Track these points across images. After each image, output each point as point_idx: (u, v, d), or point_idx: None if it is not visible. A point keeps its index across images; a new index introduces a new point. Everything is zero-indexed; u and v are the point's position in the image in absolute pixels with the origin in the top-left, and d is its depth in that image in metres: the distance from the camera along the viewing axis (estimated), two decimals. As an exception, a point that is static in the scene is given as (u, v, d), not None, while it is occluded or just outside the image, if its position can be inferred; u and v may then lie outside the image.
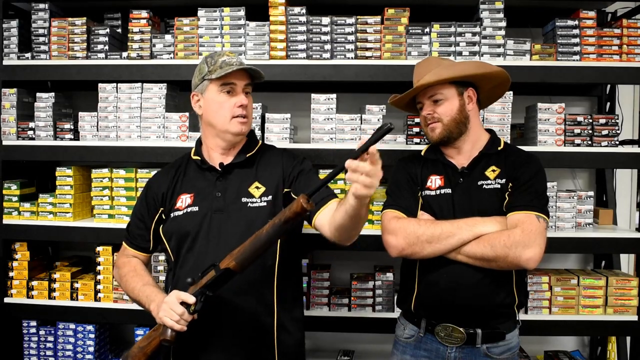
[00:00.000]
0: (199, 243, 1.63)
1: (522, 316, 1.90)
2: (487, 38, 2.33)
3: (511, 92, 2.31)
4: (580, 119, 2.34)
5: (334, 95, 2.37)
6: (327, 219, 1.55)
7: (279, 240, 1.58)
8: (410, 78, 1.86)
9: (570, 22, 2.35)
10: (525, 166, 1.73)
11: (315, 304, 2.44)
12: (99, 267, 2.49)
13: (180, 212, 1.68)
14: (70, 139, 2.47)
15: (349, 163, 1.24)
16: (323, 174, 2.36)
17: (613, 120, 2.35)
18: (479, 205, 1.70)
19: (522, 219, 1.62)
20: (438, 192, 1.76)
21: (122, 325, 2.85)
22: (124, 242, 1.81)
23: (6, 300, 2.52)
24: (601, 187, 2.78)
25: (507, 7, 2.34)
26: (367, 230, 2.35)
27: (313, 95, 2.38)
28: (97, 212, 2.47)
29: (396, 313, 2.26)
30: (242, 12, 2.39)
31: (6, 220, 2.49)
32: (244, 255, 1.45)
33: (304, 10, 2.36)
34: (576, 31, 2.34)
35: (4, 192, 2.50)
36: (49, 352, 2.57)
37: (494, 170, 1.74)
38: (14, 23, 2.49)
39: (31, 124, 2.48)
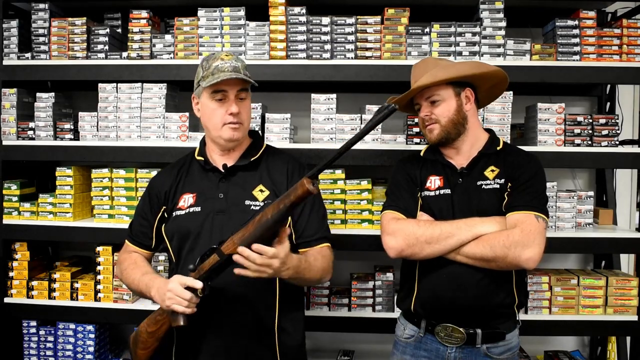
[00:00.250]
0: (200, 243, 1.63)
1: (522, 316, 1.90)
2: (487, 38, 2.33)
3: (511, 92, 2.31)
4: (580, 119, 2.34)
5: (334, 95, 2.37)
6: None
7: None
8: (410, 78, 1.86)
9: (570, 22, 2.35)
10: (525, 166, 1.72)
11: (315, 304, 2.45)
12: (99, 267, 2.49)
13: (183, 212, 1.68)
14: (70, 139, 2.47)
15: (241, 250, 1.37)
16: (323, 174, 2.36)
17: (613, 120, 2.35)
18: (478, 206, 1.70)
19: (521, 219, 1.62)
20: (437, 192, 1.76)
21: (122, 325, 2.85)
22: (126, 240, 1.81)
23: (6, 300, 2.52)
24: (601, 187, 2.78)
25: (507, 7, 2.34)
26: (367, 230, 2.35)
27: (313, 95, 2.38)
28: (97, 212, 2.47)
29: (396, 313, 2.26)
30: (242, 12, 2.39)
31: (6, 220, 2.49)
32: (248, 240, 1.42)
33: (304, 10, 2.36)
34: (576, 31, 2.34)
35: (4, 192, 2.50)
36: (49, 352, 2.57)
37: (493, 170, 1.74)
38: (14, 23, 2.49)
39: (31, 124, 2.48)
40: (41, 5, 2.50)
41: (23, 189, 2.53)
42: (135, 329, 1.67)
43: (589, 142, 2.34)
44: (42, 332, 2.58)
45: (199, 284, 1.47)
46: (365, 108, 2.39)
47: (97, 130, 2.44)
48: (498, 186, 1.71)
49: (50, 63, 2.46)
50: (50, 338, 2.57)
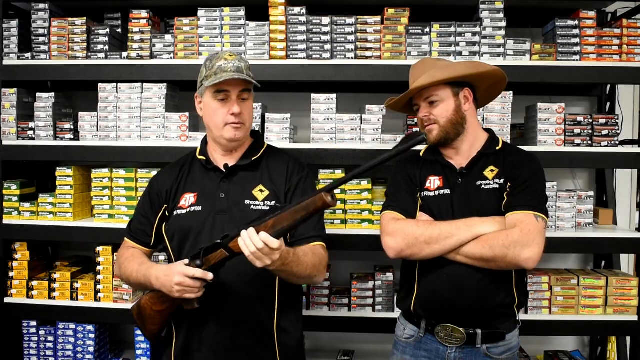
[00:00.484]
0: (200, 243, 1.63)
1: (522, 316, 1.90)
2: (487, 38, 2.33)
3: (511, 92, 2.31)
4: (580, 119, 2.34)
5: (334, 95, 2.37)
6: None
7: None
8: (410, 78, 1.86)
9: (570, 22, 2.35)
10: (524, 166, 1.72)
11: (315, 304, 2.45)
12: (99, 267, 2.49)
13: (184, 211, 1.69)
14: (70, 139, 2.47)
15: (246, 232, 1.39)
16: (323, 174, 2.37)
17: (613, 120, 2.35)
18: (478, 206, 1.70)
19: (520, 218, 1.62)
20: (437, 192, 1.76)
21: (122, 325, 2.85)
22: (125, 237, 1.81)
23: (6, 300, 2.52)
24: (601, 187, 2.78)
25: (507, 7, 2.34)
26: (367, 230, 2.35)
27: (313, 95, 2.38)
28: (97, 212, 2.47)
29: (396, 313, 2.26)
30: (242, 12, 2.39)
31: (6, 220, 2.49)
32: None
33: (304, 10, 2.36)
34: (576, 31, 2.34)
35: (4, 192, 2.50)
36: (49, 352, 2.57)
37: (492, 170, 1.74)
38: (14, 23, 2.49)
39: (31, 124, 2.48)
40: (41, 5, 2.50)
41: (23, 189, 2.53)
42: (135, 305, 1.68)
43: (589, 142, 2.34)
44: (42, 332, 2.58)
45: (210, 275, 1.48)
46: (365, 108, 2.39)
47: (97, 130, 2.44)
48: (497, 186, 1.71)
49: (50, 63, 2.46)
50: (50, 338, 2.57)
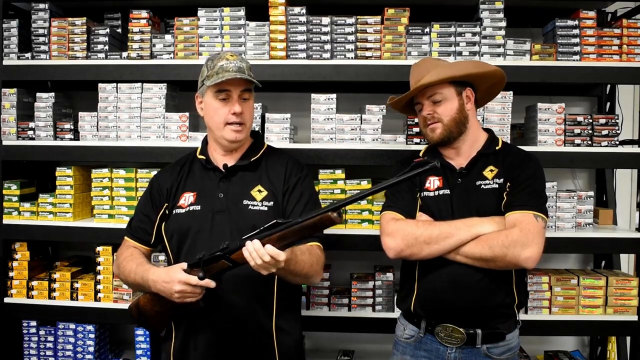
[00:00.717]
0: (199, 242, 1.63)
1: (522, 316, 1.90)
2: (487, 38, 2.33)
3: (511, 92, 2.31)
4: (580, 119, 2.34)
5: (334, 95, 2.37)
6: None
7: None
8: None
9: (570, 22, 2.35)
10: (524, 165, 1.72)
11: (315, 304, 2.44)
12: (99, 267, 2.49)
13: (183, 210, 1.69)
14: (70, 139, 2.47)
15: (251, 244, 1.39)
16: (323, 174, 2.37)
17: (613, 120, 2.35)
18: (478, 206, 1.70)
19: (520, 218, 1.62)
20: (436, 193, 1.76)
21: (122, 325, 2.85)
22: (125, 236, 1.81)
23: (6, 300, 2.52)
24: (601, 187, 2.78)
25: (507, 7, 2.34)
26: (367, 230, 2.35)
27: (313, 95, 2.38)
28: (97, 212, 2.47)
29: (396, 313, 2.26)
30: (242, 12, 2.39)
31: (6, 220, 2.49)
32: None
33: (304, 10, 2.36)
34: (576, 31, 2.34)
35: (4, 192, 2.50)
36: (49, 352, 2.57)
37: (492, 170, 1.74)
38: (14, 23, 2.49)
39: (31, 124, 2.48)
40: (41, 5, 2.50)
41: (23, 189, 2.53)
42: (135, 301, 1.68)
43: (589, 142, 2.34)
44: (42, 332, 2.58)
45: (213, 284, 1.49)
46: (365, 108, 2.39)
47: (97, 130, 2.44)
48: (497, 186, 1.71)
49: (50, 63, 2.46)
50: (50, 338, 2.57)
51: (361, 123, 2.36)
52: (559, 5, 2.51)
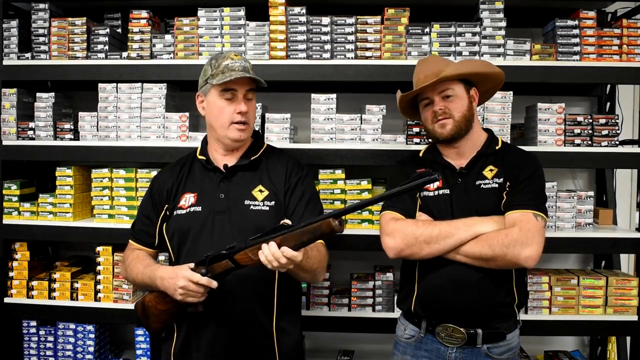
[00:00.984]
0: (200, 243, 1.64)
1: (522, 316, 1.90)
2: (487, 38, 2.33)
3: (511, 92, 2.31)
4: (580, 119, 2.34)
5: (334, 95, 2.37)
6: None
7: None
8: (410, 78, 1.86)
9: (570, 22, 2.35)
10: (523, 165, 1.73)
11: (315, 304, 2.44)
12: (99, 267, 2.49)
13: (183, 211, 1.69)
14: (70, 139, 2.47)
15: (268, 248, 1.40)
16: (323, 174, 2.37)
17: (613, 120, 2.35)
18: (477, 205, 1.70)
19: (519, 217, 1.62)
20: (436, 192, 1.76)
21: (122, 325, 2.85)
22: (129, 240, 1.81)
23: (6, 300, 2.52)
24: (601, 187, 2.78)
25: (507, 7, 2.34)
26: (367, 230, 2.35)
27: (313, 95, 2.38)
28: (97, 212, 2.47)
29: (396, 313, 2.26)
30: (242, 12, 2.39)
31: (6, 220, 2.49)
32: None
33: (304, 10, 2.36)
34: (576, 31, 2.34)
35: (4, 192, 2.50)
36: (49, 352, 2.57)
37: (491, 170, 1.74)
38: (14, 23, 2.49)
39: (31, 124, 2.48)
40: (41, 5, 2.50)
41: (23, 189, 2.53)
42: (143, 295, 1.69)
43: (589, 142, 2.34)
44: (42, 332, 2.58)
45: (215, 284, 1.50)
46: (365, 108, 2.39)
47: (97, 130, 2.44)
48: (497, 185, 1.71)
49: (50, 63, 2.46)
50: (50, 338, 2.57)
51: (361, 123, 2.36)
52: (559, 5, 2.51)
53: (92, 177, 2.47)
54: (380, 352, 2.69)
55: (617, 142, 2.36)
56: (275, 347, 1.64)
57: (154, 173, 2.37)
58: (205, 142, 1.79)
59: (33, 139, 2.48)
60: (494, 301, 1.69)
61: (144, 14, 2.47)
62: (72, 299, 2.50)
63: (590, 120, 2.34)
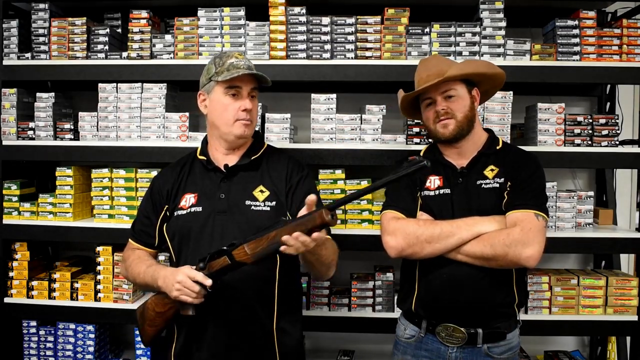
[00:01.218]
0: (201, 243, 1.63)
1: (522, 316, 1.90)
2: (487, 38, 2.33)
3: (511, 92, 2.31)
4: (580, 119, 2.34)
5: (334, 95, 2.37)
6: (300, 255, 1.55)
7: None
8: (411, 78, 1.86)
9: (570, 22, 2.35)
10: (524, 165, 1.73)
11: (315, 304, 2.44)
12: (99, 267, 2.49)
13: (184, 212, 1.69)
14: (70, 139, 2.47)
15: (297, 235, 1.39)
16: (323, 174, 2.37)
17: (613, 120, 2.35)
18: (478, 205, 1.70)
19: (520, 217, 1.62)
20: (437, 192, 1.76)
21: (122, 325, 2.84)
22: (129, 239, 1.81)
23: (6, 300, 2.52)
24: (601, 187, 2.78)
25: (507, 7, 2.34)
26: (367, 230, 2.35)
27: (313, 95, 2.38)
28: (97, 212, 2.47)
29: (396, 313, 2.26)
30: (242, 12, 2.39)
31: (6, 220, 2.49)
32: (260, 255, 1.46)
33: (304, 10, 2.36)
34: (576, 31, 2.34)
35: (4, 192, 2.50)
36: (49, 352, 2.57)
37: (492, 170, 1.74)
38: (14, 23, 2.49)
39: (31, 124, 2.48)
40: (41, 5, 2.50)
41: (23, 189, 2.53)
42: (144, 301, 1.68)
43: (589, 142, 2.34)
44: (42, 332, 2.58)
45: (209, 282, 1.49)
46: (365, 108, 2.39)
47: (97, 130, 2.44)
48: (498, 185, 1.71)
49: (50, 63, 2.46)
50: (50, 338, 2.57)
51: (361, 123, 2.36)
52: (559, 5, 2.51)
53: (92, 177, 2.47)
54: (380, 352, 2.70)
55: (617, 142, 2.36)
56: (276, 347, 1.64)
57: (154, 173, 2.37)
58: (205, 142, 1.79)
59: (33, 139, 2.48)
60: (494, 301, 1.69)
61: (144, 14, 2.47)
62: (72, 299, 2.50)
63: (590, 120, 2.34)
